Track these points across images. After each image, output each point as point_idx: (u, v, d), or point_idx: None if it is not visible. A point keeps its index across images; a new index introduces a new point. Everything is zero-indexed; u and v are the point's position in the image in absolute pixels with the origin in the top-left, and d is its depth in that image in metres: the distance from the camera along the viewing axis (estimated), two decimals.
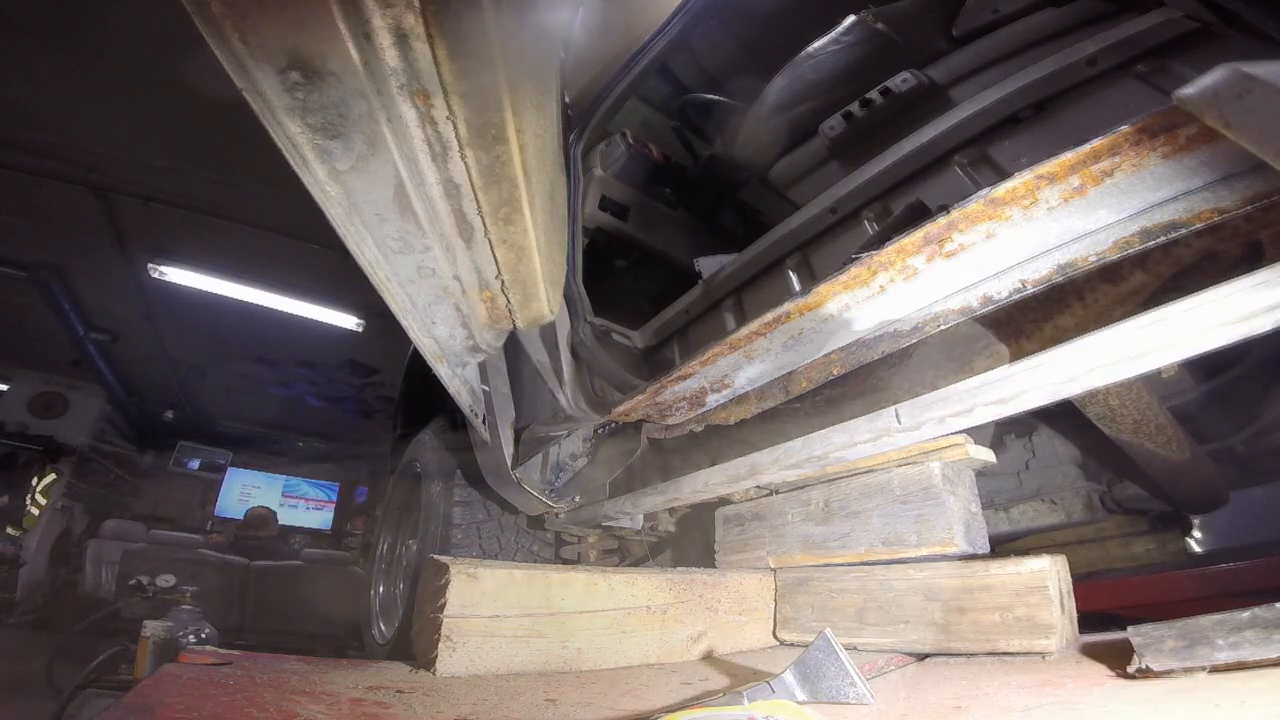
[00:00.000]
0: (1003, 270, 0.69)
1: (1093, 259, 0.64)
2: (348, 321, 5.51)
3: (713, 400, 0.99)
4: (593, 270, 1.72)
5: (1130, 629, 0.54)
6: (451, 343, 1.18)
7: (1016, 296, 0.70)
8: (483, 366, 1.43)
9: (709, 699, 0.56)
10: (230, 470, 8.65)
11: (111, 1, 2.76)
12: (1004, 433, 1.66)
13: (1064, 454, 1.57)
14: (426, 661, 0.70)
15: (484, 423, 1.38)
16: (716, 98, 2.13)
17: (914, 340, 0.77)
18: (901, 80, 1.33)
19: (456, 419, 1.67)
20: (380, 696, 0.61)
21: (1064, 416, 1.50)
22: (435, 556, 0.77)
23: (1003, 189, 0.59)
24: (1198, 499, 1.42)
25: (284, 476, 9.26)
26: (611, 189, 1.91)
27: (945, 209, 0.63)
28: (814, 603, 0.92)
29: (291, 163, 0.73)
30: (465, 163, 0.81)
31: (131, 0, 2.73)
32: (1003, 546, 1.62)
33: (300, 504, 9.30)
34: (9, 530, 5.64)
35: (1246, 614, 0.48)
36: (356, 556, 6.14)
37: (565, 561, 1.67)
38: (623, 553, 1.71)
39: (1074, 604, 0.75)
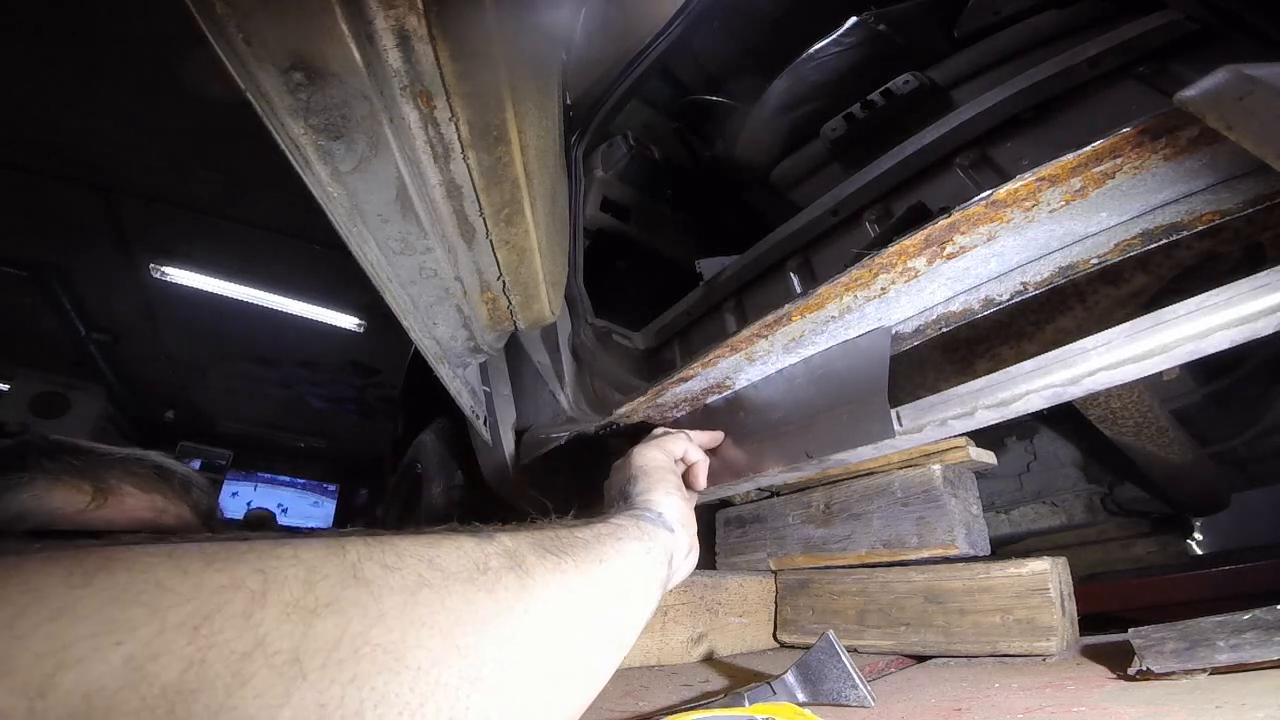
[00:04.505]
0: (1004, 273, 0.69)
1: (1094, 261, 0.64)
2: (349, 322, 5.52)
3: (714, 402, 0.99)
4: (594, 271, 1.72)
5: (1131, 631, 0.54)
6: (453, 344, 1.18)
7: (1018, 299, 0.70)
8: (484, 367, 1.43)
9: (709, 700, 0.56)
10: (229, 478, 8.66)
11: (115, 2, 2.77)
12: (1005, 435, 1.66)
13: (1065, 456, 1.57)
14: None
15: (485, 424, 1.38)
16: (718, 99, 2.13)
17: (916, 343, 0.77)
18: (903, 82, 1.33)
19: (458, 420, 1.67)
20: None
21: (1065, 419, 1.50)
22: None
23: (1004, 191, 0.59)
24: (1199, 501, 1.42)
25: (286, 478, 9.28)
26: (613, 190, 1.91)
27: (946, 211, 0.63)
28: (814, 605, 0.92)
29: (294, 164, 0.73)
30: (467, 164, 0.81)
31: (135, 1, 2.74)
32: (1004, 548, 1.62)
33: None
34: None
35: (1247, 616, 0.48)
36: None
37: None
38: None
39: (1075, 606, 0.75)
